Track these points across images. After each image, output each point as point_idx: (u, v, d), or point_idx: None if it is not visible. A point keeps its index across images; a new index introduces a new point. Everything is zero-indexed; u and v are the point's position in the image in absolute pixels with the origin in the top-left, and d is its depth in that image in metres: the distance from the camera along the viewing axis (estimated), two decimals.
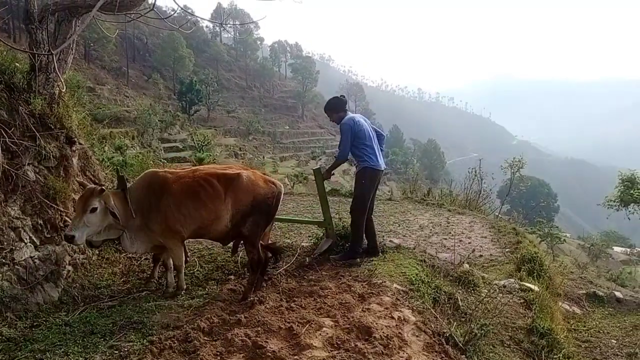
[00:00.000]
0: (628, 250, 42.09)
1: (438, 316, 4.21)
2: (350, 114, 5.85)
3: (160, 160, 26.63)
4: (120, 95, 51.77)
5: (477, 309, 4.49)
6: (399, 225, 9.25)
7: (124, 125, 39.93)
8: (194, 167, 5.00)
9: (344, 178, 55.18)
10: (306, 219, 6.72)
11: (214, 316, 3.78)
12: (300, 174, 33.55)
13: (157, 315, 3.96)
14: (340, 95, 6.09)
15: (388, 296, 4.36)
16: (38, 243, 4.49)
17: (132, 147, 30.35)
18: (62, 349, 3.40)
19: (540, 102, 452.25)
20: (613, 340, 6.86)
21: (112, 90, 50.79)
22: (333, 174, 6.16)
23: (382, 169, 5.89)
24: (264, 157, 57.20)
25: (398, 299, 4.34)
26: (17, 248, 4.23)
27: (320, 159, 63.98)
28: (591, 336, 6.97)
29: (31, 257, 4.38)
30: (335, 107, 5.89)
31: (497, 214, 14.23)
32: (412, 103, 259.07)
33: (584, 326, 7.38)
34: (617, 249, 40.52)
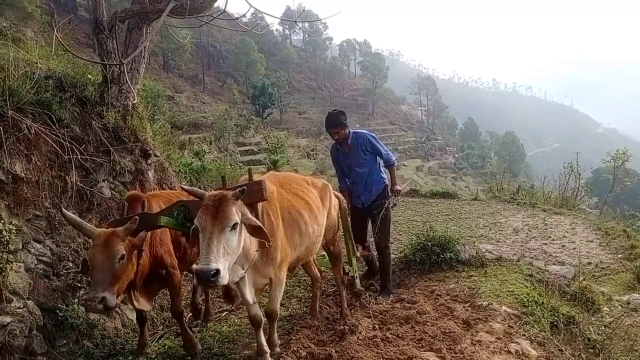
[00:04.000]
0: None
1: (563, 348, 3.53)
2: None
3: (237, 164, 27.04)
4: (198, 102, 53.45)
5: (608, 337, 3.75)
6: (490, 229, 8.49)
7: (201, 130, 41.05)
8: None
9: (417, 175, 53.65)
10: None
11: (301, 348, 3.33)
12: None
13: (238, 345, 3.59)
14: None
15: (498, 322, 3.74)
16: None
17: (209, 152, 30.93)
18: None
19: (623, 87, 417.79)
20: None
21: (189, 98, 52.55)
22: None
23: None
24: None
25: (511, 326, 3.70)
26: None
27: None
28: None
29: None
30: (343, 121, 4.94)
31: (590, 209, 12.91)
32: (487, 94, 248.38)
33: None
34: None
